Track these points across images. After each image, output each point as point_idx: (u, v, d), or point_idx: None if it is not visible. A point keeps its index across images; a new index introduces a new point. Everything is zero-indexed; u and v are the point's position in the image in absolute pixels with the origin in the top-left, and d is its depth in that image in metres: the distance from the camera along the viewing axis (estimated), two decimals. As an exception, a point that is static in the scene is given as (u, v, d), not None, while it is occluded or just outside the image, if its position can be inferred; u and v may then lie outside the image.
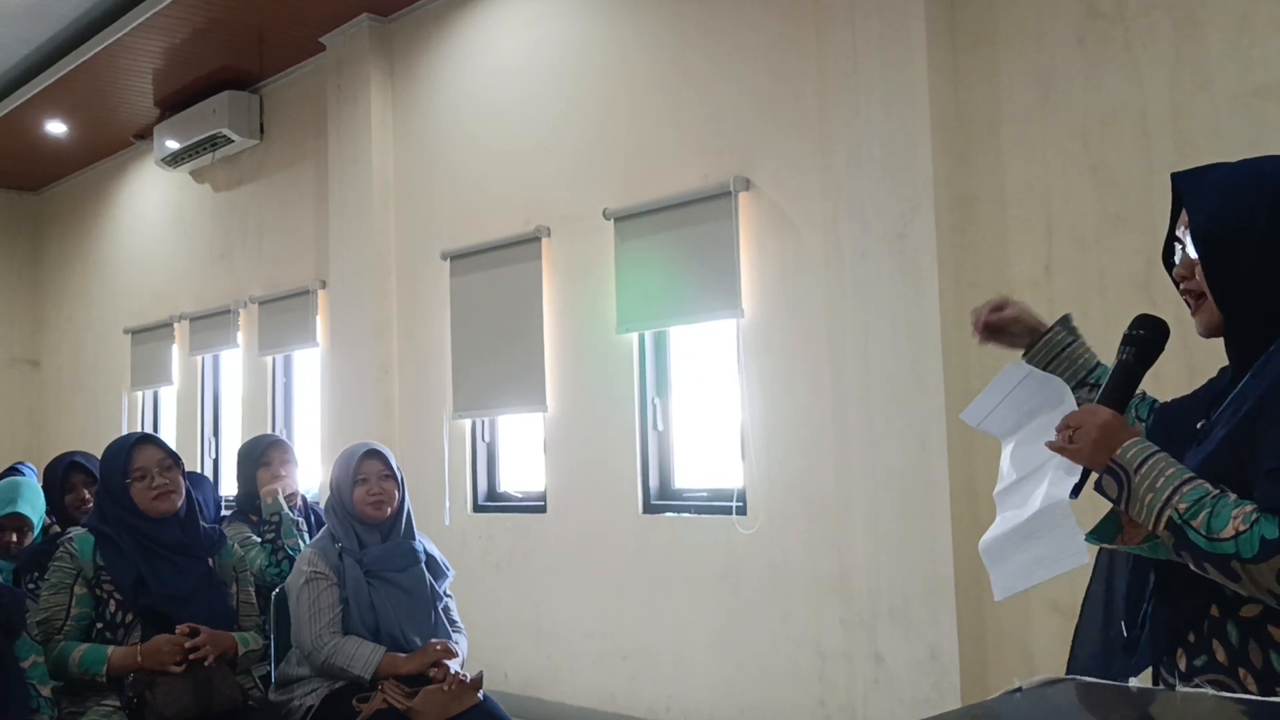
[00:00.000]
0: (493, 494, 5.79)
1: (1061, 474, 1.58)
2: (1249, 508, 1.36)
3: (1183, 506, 1.40)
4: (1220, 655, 1.43)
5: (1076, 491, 1.57)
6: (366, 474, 3.20)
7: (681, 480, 4.91)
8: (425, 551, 3.27)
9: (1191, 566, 1.42)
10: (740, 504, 4.48)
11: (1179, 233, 1.58)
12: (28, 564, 3.25)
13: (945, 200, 3.85)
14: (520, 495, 5.66)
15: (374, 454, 3.24)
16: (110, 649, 2.77)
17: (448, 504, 5.72)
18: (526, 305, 5.39)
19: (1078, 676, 1.34)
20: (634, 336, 4.94)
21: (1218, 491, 1.40)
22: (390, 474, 3.23)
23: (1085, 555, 1.57)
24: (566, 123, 5.32)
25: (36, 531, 3.59)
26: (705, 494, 4.76)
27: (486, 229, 5.65)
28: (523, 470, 5.70)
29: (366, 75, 6.24)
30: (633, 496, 4.91)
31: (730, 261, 4.50)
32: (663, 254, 4.78)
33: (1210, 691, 1.15)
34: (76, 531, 2.92)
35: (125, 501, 2.90)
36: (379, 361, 6.13)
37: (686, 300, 4.71)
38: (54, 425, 9.61)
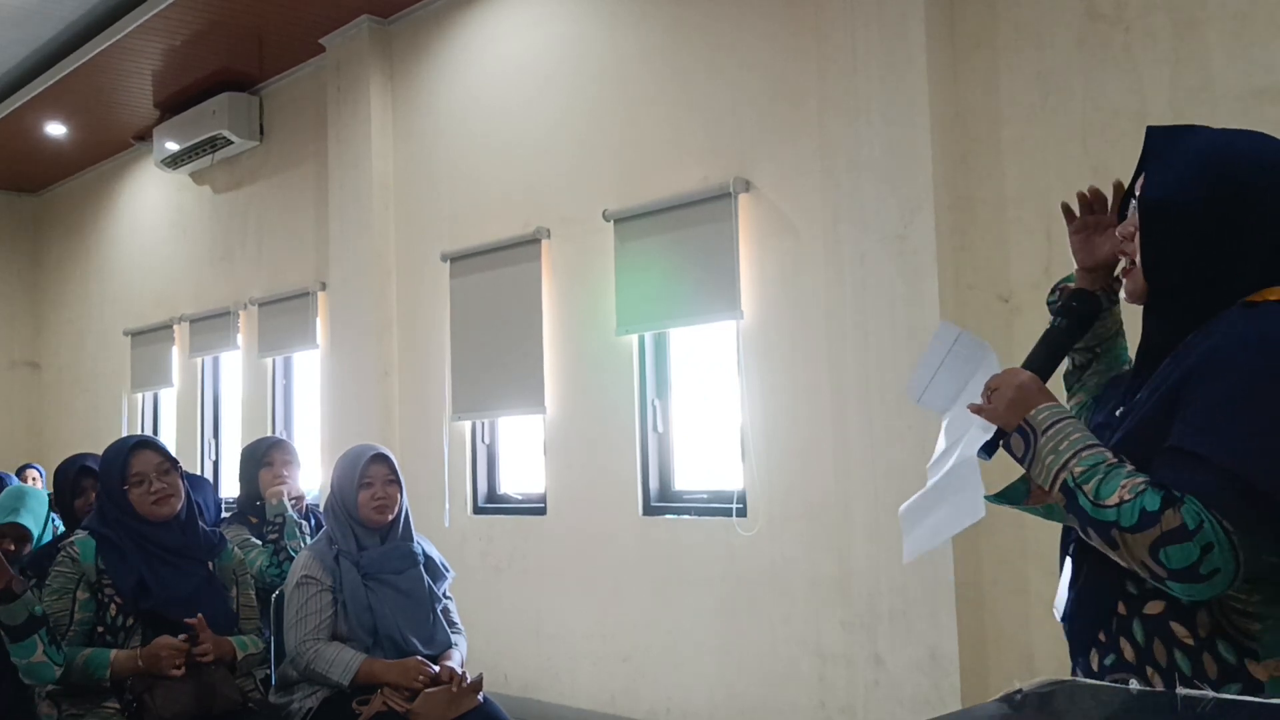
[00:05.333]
0: (493, 496, 5.79)
1: (979, 433, 1.61)
2: (1140, 479, 1.37)
3: (1078, 470, 1.42)
4: (1128, 654, 1.45)
5: (989, 450, 1.59)
6: (372, 478, 3.19)
7: (681, 482, 4.91)
8: (424, 553, 3.26)
9: (1079, 532, 1.44)
10: (740, 506, 4.48)
11: (1137, 189, 1.56)
12: (31, 566, 3.24)
13: (945, 202, 3.85)
14: (520, 497, 5.66)
15: (380, 458, 3.24)
16: (113, 652, 2.77)
17: (447, 506, 5.72)
18: (526, 307, 5.39)
19: (1078, 679, 1.34)
20: (634, 338, 4.94)
21: (1115, 461, 1.41)
22: (394, 478, 3.23)
23: (982, 510, 1.60)
24: (566, 124, 5.33)
25: (35, 542, 3.56)
26: (705, 496, 4.76)
27: (486, 231, 5.65)
28: (522, 472, 5.70)
29: (366, 77, 6.24)
30: (633, 498, 4.91)
31: (730, 263, 4.50)
32: (662, 256, 4.78)
33: (1210, 693, 1.14)
34: (78, 535, 2.91)
35: (125, 506, 2.90)
36: (379, 363, 6.13)
37: (686, 302, 4.70)
38: (54, 428, 9.61)
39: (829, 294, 4.14)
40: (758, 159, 4.50)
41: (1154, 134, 1.56)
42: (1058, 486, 1.44)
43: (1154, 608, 1.42)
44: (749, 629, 4.42)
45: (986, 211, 3.84)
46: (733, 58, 4.61)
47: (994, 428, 1.56)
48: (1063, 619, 1.61)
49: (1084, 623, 1.53)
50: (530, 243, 5.39)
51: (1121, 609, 1.46)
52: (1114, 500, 1.36)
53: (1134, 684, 1.24)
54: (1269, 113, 3.23)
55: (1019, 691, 1.22)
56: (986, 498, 1.65)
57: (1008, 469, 1.58)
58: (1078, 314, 1.67)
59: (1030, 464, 1.50)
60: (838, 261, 4.08)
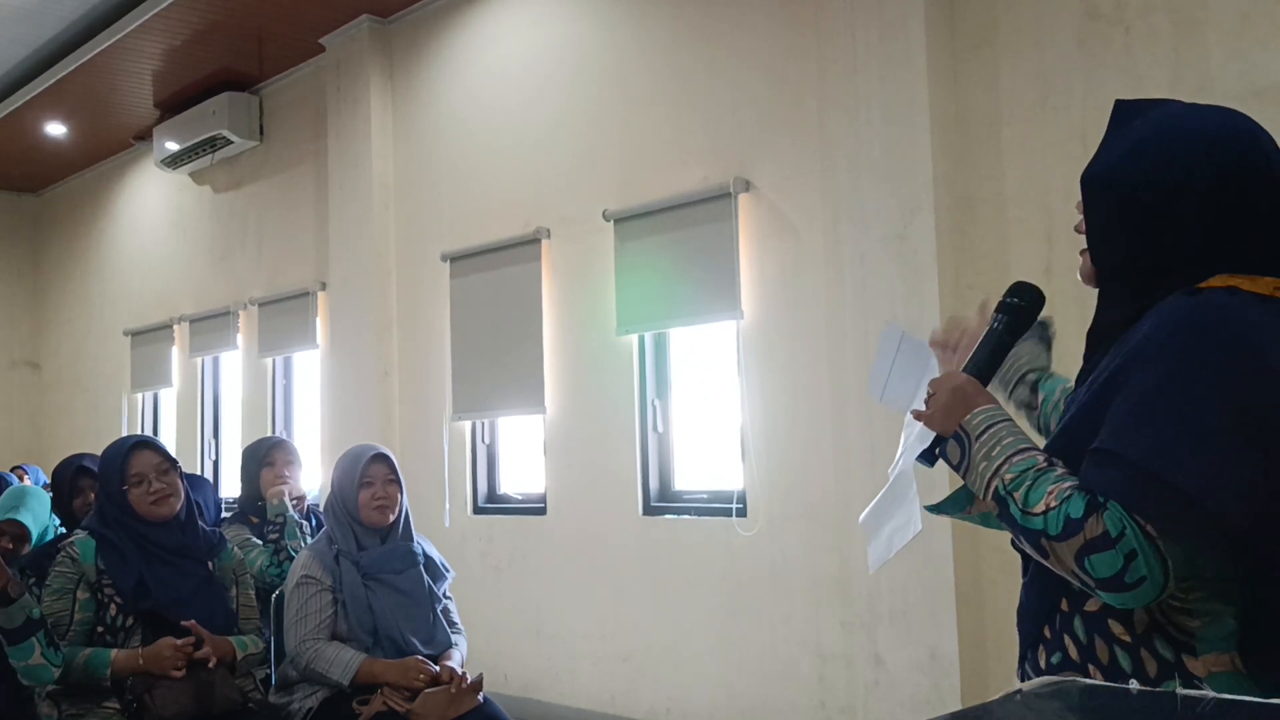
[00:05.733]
0: (493, 496, 5.79)
1: (918, 442, 1.54)
2: (1067, 484, 1.31)
3: (1009, 477, 1.36)
4: (1072, 652, 1.40)
5: (928, 458, 1.53)
6: (372, 478, 3.19)
7: (681, 482, 4.91)
8: (424, 553, 3.26)
9: (1015, 541, 1.39)
10: (740, 506, 4.48)
11: None
12: (31, 566, 3.23)
13: (945, 202, 3.85)
14: (520, 497, 5.66)
15: (380, 458, 3.24)
16: (113, 652, 2.77)
17: (448, 506, 5.72)
18: (526, 307, 5.39)
19: (1078, 679, 1.33)
20: (634, 338, 4.94)
21: (1045, 465, 1.35)
22: (394, 478, 3.23)
23: (919, 524, 1.55)
24: (566, 124, 5.33)
25: (34, 541, 3.56)
26: (705, 496, 4.76)
27: (486, 230, 5.65)
28: (523, 472, 5.70)
29: (366, 77, 6.24)
30: (633, 498, 4.90)
31: (730, 263, 4.50)
32: (662, 256, 4.78)
33: (1210, 693, 1.14)
34: (78, 535, 2.91)
35: (124, 506, 2.90)
36: (379, 363, 6.13)
37: (686, 302, 4.70)
38: (55, 427, 9.61)
39: (829, 294, 4.14)
40: (758, 159, 4.50)
41: (1120, 107, 1.49)
42: (990, 494, 1.39)
43: (1093, 605, 1.38)
44: (749, 629, 4.42)
45: (987, 211, 3.84)
46: (733, 58, 4.61)
47: (931, 434, 1.50)
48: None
49: (1030, 618, 1.49)
50: (530, 243, 5.39)
51: (1064, 605, 1.42)
52: (1040, 508, 1.31)
53: (1134, 684, 1.24)
54: (1269, 113, 3.22)
55: (1019, 691, 1.22)
56: (928, 508, 1.58)
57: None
58: (1016, 310, 1.58)
59: (966, 472, 1.44)
60: (838, 261, 4.08)
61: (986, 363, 1.55)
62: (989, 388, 1.54)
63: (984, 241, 3.84)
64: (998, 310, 1.59)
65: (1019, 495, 1.34)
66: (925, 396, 1.52)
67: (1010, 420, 1.44)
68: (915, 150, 3.84)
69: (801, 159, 4.33)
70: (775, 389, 4.40)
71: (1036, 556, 1.35)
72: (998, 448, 1.39)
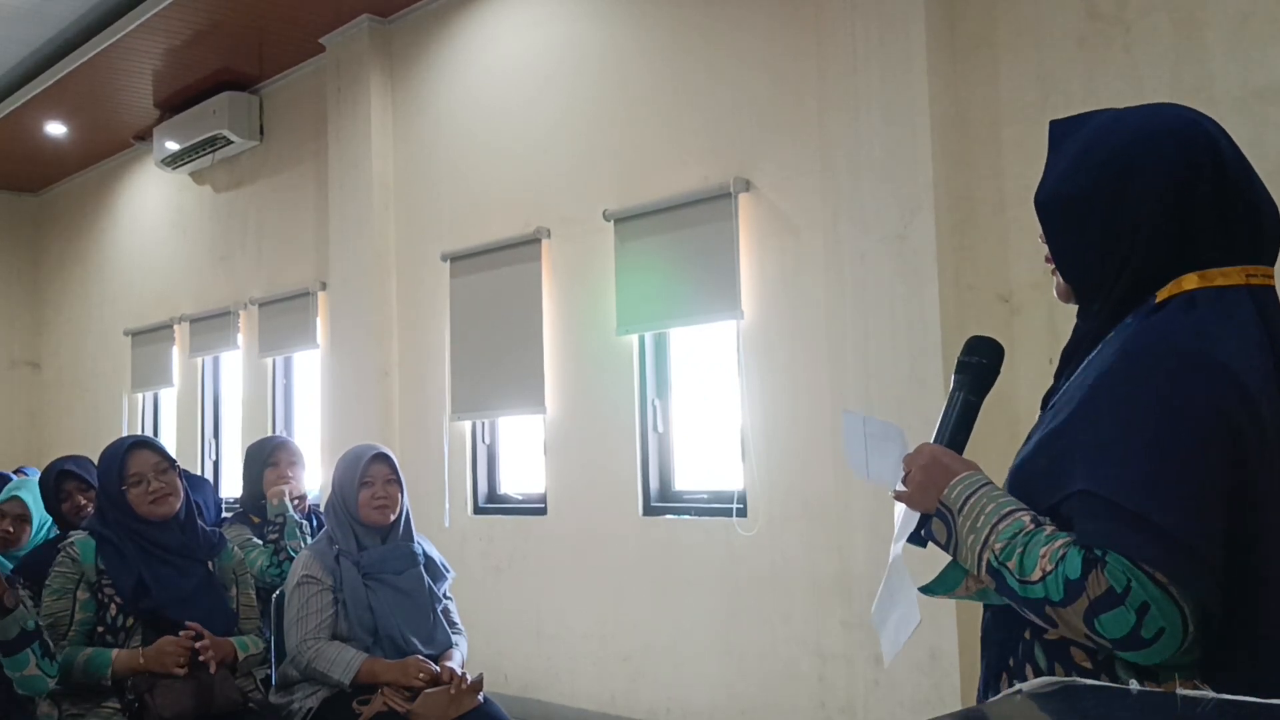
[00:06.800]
0: (493, 496, 5.79)
1: (909, 522, 1.46)
2: (1059, 543, 1.23)
3: (998, 547, 1.29)
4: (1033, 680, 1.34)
5: (918, 540, 1.45)
6: (372, 477, 3.19)
7: (682, 482, 4.91)
8: (424, 553, 3.27)
9: (1020, 613, 1.33)
10: (740, 506, 4.48)
11: None
12: (26, 571, 3.22)
13: (945, 202, 3.85)
14: (520, 497, 5.66)
15: (380, 457, 3.24)
16: (114, 652, 2.77)
17: (448, 506, 5.72)
18: (526, 307, 5.39)
19: (1076, 679, 1.33)
20: (634, 338, 4.94)
21: (1033, 526, 1.28)
22: (395, 478, 3.23)
23: (917, 616, 1.46)
24: (566, 124, 5.32)
25: (35, 532, 3.56)
26: (705, 496, 4.76)
27: (486, 230, 5.65)
28: (523, 472, 5.70)
29: (366, 76, 6.24)
30: (633, 498, 4.90)
31: (730, 263, 4.50)
32: (663, 255, 4.78)
33: (1210, 693, 1.13)
34: (77, 535, 2.91)
35: (124, 507, 2.90)
36: (379, 363, 6.13)
37: (686, 302, 4.70)
38: (55, 428, 9.61)
39: (829, 294, 4.14)
40: (758, 159, 4.50)
41: (1054, 127, 1.46)
42: (984, 569, 1.31)
43: (1054, 633, 1.31)
44: (749, 629, 4.42)
45: (986, 211, 3.84)
46: (733, 58, 4.61)
47: (915, 515, 1.44)
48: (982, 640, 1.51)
49: (995, 647, 1.43)
50: (530, 243, 5.39)
51: (1027, 634, 1.36)
52: (1037, 574, 1.23)
53: (1134, 684, 1.23)
54: (1269, 112, 3.23)
55: (1019, 691, 1.21)
56: (922, 589, 1.51)
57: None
58: (978, 368, 1.49)
59: (955, 549, 1.36)
60: (838, 261, 4.08)
61: (957, 429, 1.48)
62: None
63: (984, 241, 3.84)
64: (958, 371, 1.51)
65: (1013, 565, 1.27)
66: (903, 475, 1.45)
67: (990, 484, 1.37)
68: (915, 150, 3.84)
69: (801, 159, 4.33)
70: (775, 389, 4.40)
71: (1045, 625, 1.29)
72: (981, 518, 1.32)
